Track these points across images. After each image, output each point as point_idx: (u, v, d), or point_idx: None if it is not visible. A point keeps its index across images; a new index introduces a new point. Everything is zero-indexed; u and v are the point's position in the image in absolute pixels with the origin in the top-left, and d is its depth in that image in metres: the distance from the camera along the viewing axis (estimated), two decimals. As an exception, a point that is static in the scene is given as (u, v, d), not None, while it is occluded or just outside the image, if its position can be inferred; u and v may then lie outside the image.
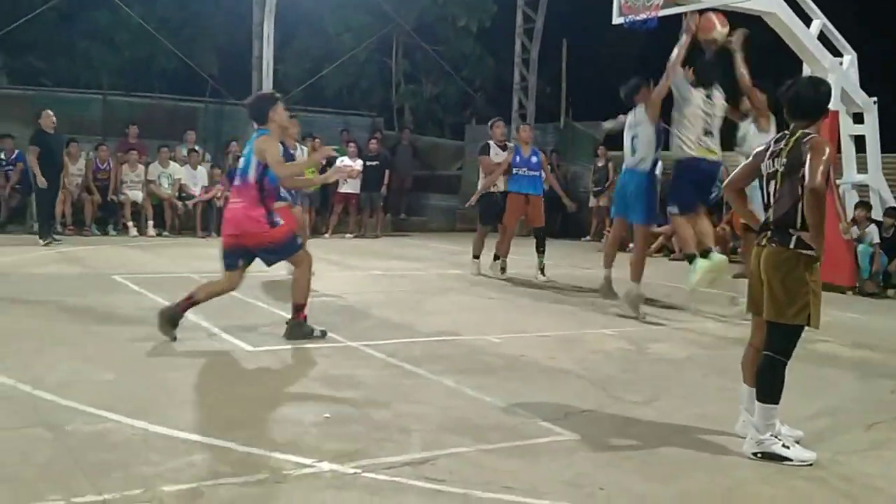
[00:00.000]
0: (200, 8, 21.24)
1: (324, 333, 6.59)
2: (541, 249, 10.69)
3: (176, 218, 14.84)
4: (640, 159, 8.33)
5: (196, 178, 15.02)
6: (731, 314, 8.39)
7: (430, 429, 4.54)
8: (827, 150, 4.26)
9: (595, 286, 10.04)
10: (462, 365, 6.05)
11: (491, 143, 11.01)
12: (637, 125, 8.39)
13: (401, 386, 5.42)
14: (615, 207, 8.91)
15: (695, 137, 7.96)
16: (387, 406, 4.91)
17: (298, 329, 6.54)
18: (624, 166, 8.61)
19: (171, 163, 14.94)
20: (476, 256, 10.87)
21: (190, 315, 6.58)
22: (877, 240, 10.57)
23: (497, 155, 10.86)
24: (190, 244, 13.49)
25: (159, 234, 14.37)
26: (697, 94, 8.05)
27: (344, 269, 11.26)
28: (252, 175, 6.30)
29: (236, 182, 6.50)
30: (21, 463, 3.80)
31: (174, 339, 6.28)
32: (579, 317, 8.32)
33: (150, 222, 14.47)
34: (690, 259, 7.96)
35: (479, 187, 10.97)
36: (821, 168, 4.16)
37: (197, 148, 15.53)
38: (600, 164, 16.73)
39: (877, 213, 10.96)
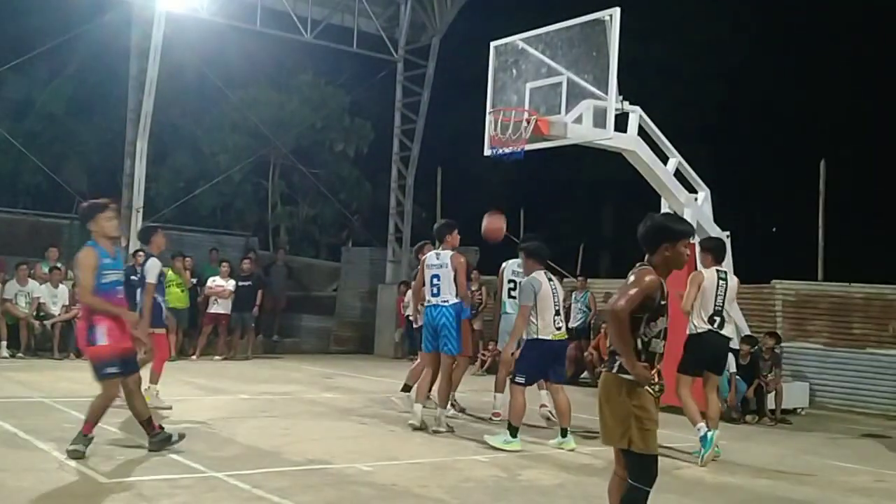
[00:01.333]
0: (72, 125, 20.87)
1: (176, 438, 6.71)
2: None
3: (32, 338, 14.07)
4: (442, 299, 8.60)
5: (56, 297, 14.38)
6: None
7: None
8: (647, 280, 4.31)
9: (470, 410, 10.05)
10: (331, 495, 5.86)
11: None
12: (440, 267, 8.67)
13: (266, 519, 5.19)
14: (425, 343, 8.83)
15: (549, 320, 8.14)
16: (250, 541, 4.68)
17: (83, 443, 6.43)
18: (427, 303, 8.73)
19: (31, 280, 14.27)
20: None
21: (38, 442, 6.19)
22: (734, 368, 11.01)
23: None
24: (45, 366, 12.77)
25: (13, 356, 13.56)
26: (545, 280, 8.23)
27: (210, 392, 10.88)
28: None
29: None
30: None
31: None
32: (452, 443, 8.26)
33: (4, 343, 13.67)
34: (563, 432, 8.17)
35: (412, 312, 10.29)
36: (628, 293, 4.25)
37: (59, 265, 14.93)
38: (474, 289, 16.99)
39: (734, 343, 11.47)
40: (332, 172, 22.26)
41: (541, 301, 8.07)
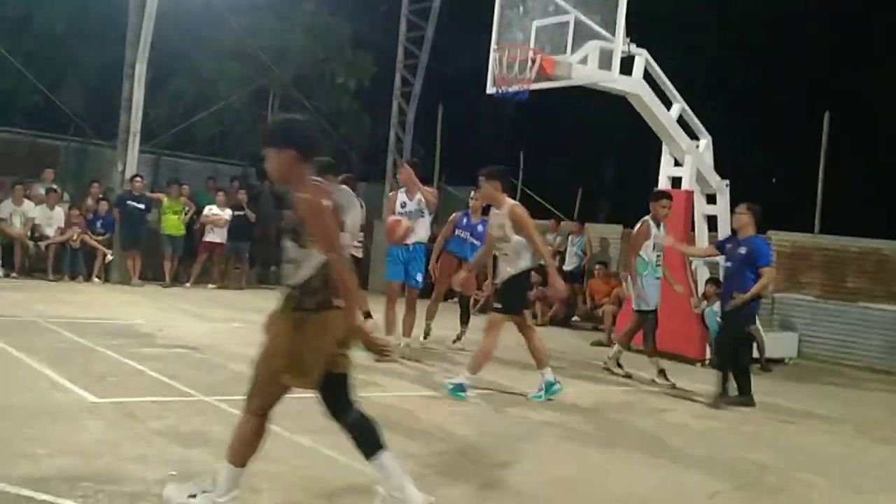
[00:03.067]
0: (71, 45, 20.54)
1: None
2: (465, 319, 10.59)
3: (27, 259, 14.08)
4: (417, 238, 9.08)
5: (52, 219, 14.34)
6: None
7: (281, 488, 4.41)
8: None
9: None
10: (318, 423, 5.88)
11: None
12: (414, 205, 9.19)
13: (254, 443, 5.25)
14: (391, 273, 9.23)
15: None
16: (237, 464, 4.73)
17: None
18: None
19: (26, 201, 14.21)
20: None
21: (31, 361, 6.23)
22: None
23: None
24: (40, 287, 12.80)
25: (6, 276, 13.57)
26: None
27: (202, 320, 10.93)
28: None
29: None
30: None
31: None
32: (439, 379, 8.32)
33: (-2, 262, 13.69)
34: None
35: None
36: None
37: (55, 187, 14.87)
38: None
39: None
40: (332, 105, 22.01)
41: None
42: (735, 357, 8.28)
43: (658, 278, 9.21)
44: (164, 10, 15.44)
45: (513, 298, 7.52)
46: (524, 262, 7.44)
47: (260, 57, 18.98)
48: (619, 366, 9.44)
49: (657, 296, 9.21)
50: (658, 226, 9.20)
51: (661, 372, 9.07)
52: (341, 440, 5.45)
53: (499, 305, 7.50)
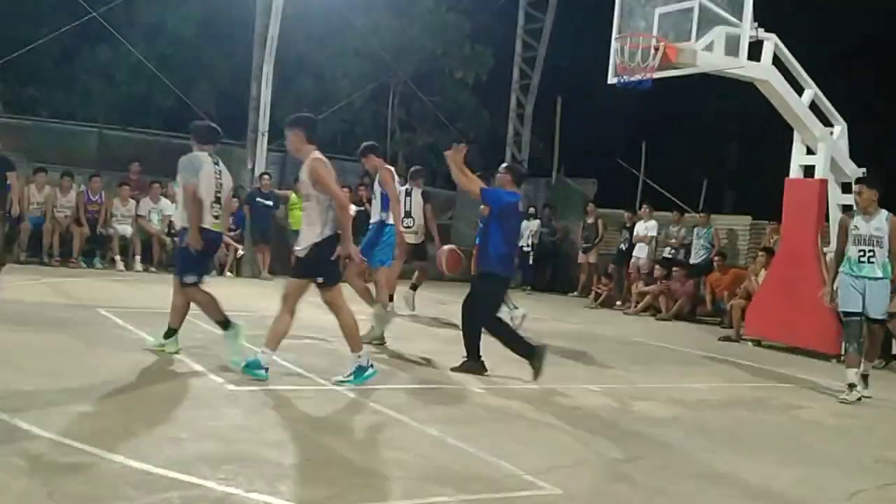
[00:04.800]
0: (202, 48, 21.44)
1: None
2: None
3: (163, 254, 14.79)
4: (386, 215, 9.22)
5: (187, 216, 14.98)
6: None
7: (411, 476, 4.49)
8: None
9: (581, 341, 10.07)
10: (446, 414, 6.00)
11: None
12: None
13: (384, 432, 5.38)
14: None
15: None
16: (369, 452, 4.87)
17: None
18: (380, 219, 9.35)
19: (162, 199, 14.93)
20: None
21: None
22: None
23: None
24: (176, 281, 13.41)
25: (146, 270, 14.30)
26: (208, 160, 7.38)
27: (330, 311, 11.18)
28: None
29: None
30: (-6, 492, 3.73)
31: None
32: (564, 371, 8.29)
33: (138, 257, 14.41)
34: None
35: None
36: None
37: (190, 185, 15.53)
38: (590, 221, 16.84)
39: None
40: (450, 100, 22.18)
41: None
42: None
43: (859, 276, 7.91)
44: (288, 13, 15.91)
45: (322, 267, 6.52)
46: (329, 229, 6.48)
47: (380, 54, 19.31)
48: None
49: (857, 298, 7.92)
50: (863, 215, 7.94)
51: (864, 378, 8.05)
52: (468, 430, 5.53)
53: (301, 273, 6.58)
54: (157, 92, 20.14)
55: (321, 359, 7.50)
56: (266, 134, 15.93)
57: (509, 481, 4.59)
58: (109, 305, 9.56)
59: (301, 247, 6.55)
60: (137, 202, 14.79)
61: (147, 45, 19.22)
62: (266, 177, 15.64)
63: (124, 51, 18.31)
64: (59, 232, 13.97)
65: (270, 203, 15.45)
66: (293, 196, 15.66)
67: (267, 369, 6.43)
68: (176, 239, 14.54)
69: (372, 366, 6.70)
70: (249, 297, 12.10)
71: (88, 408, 5.26)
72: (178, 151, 7.56)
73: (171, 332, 7.31)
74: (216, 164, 7.33)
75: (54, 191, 14.11)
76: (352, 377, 6.58)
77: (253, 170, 15.91)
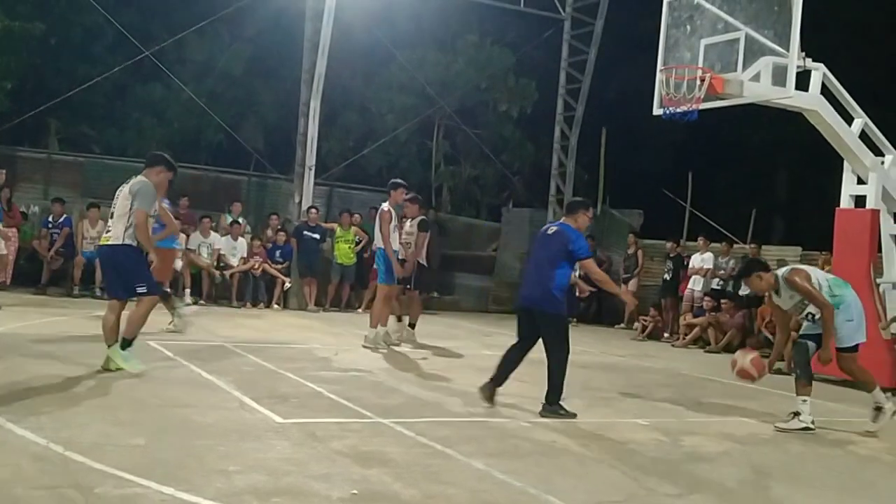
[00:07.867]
0: (250, 85, 21.89)
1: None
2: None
3: (213, 287, 15.00)
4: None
5: (236, 249, 15.23)
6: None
7: (458, 511, 4.46)
8: None
9: (628, 374, 9.96)
10: (492, 447, 5.97)
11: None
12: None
13: (430, 466, 5.36)
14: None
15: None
16: (415, 485, 4.85)
17: None
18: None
19: (212, 233, 15.17)
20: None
21: (220, 383, 6.60)
22: None
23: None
24: (225, 313, 13.59)
25: (195, 303, 14.50)
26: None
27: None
28: None
29: None
30: (49, 524, 3.79)
31: None
32: (612, 405, 8.21)
33: (187, 290, 14.62)
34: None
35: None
36: None
37: (239, 219, 15.79)
38: (630, 252, 16.78)
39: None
40: (494, 133, 22.32)
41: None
42: None
43: None
44: (335, 49, 16.17)
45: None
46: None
47: (425, 89, 19.50)
48: None
49: None
50: None
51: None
52: (515, 464, 5.49)
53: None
54: (207, 128, 20.59)
55: (366, 392, 7.52)
56: (313, 168, 16.13)
57: (557, 517, 4.54)
58: (159, 338, 9.71)
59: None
60: (188, 236, 15.03)
61: (197, 82, 19.70)
62: (313, 210, 15.83)
63: (175, 88, 18.79)
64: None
65: (317, 236, 15.63)
66: (338, 229, 15.83)
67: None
68: (225, 272, 14.87)
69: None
70: (296, 330, 12.21)
71: (140, 440, 5.34)
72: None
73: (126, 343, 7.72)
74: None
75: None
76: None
77: (300, 203, 16.11)
